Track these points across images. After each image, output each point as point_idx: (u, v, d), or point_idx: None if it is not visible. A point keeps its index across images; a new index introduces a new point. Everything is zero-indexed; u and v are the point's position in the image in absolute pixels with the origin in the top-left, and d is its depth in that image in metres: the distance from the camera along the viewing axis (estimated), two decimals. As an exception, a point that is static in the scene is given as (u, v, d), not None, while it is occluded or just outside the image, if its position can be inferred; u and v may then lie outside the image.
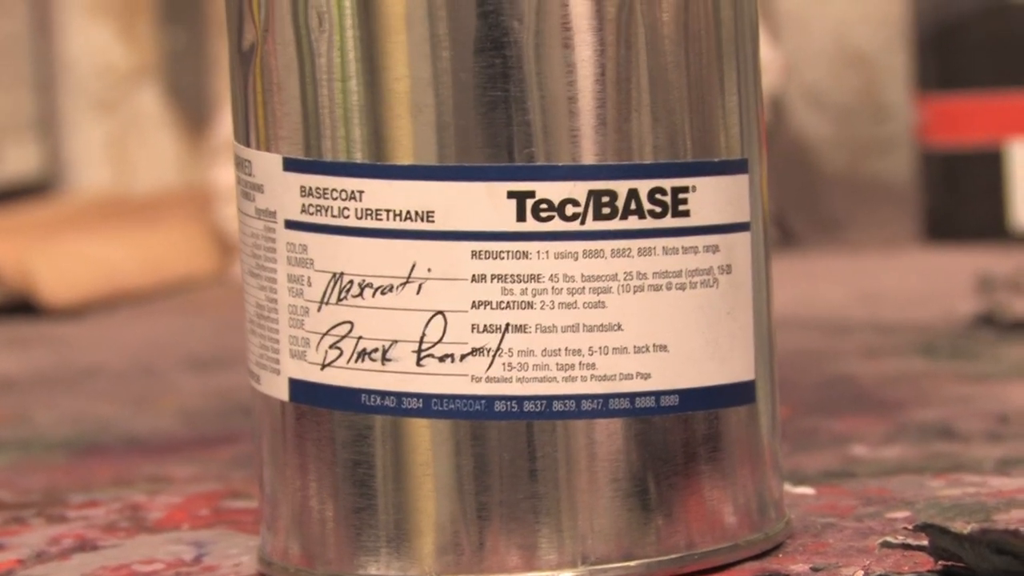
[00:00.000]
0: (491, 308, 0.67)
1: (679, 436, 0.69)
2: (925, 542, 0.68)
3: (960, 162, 1.41)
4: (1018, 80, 1.41)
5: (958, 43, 1.44)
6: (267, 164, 0.70)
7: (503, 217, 0.66)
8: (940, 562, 0.68)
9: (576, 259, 0.67)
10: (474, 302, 0.67)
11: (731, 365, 0.70)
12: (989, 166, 1.39)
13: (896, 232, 1.42)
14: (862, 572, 0.68)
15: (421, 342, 0.67)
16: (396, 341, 0.67)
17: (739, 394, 0.70)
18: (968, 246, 1.38)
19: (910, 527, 0.69)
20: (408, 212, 0.67)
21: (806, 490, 0.79)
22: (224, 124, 1.49)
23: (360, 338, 0.67)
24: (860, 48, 1.63)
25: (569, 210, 0.67)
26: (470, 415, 0.67)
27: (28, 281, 1.36)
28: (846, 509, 0.77)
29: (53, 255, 1.38)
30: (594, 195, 0.67)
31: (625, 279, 0.67)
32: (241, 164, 0.72)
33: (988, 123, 1.41)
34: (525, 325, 0.67)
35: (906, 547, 0.70)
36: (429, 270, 0.67)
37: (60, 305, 1.35)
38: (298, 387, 0.69)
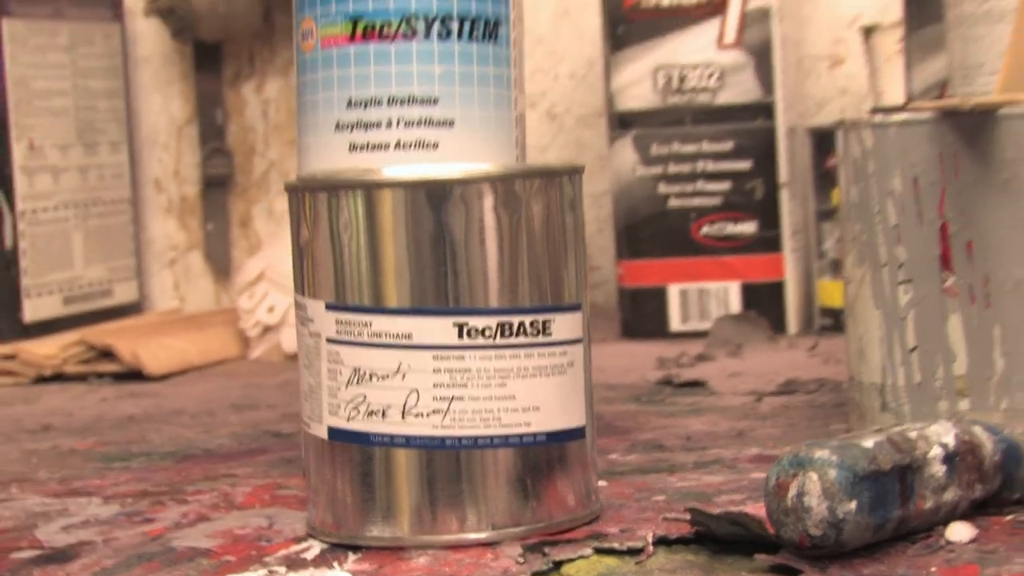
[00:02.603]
0: (444, 387, 0.75)
1: (544, 457, 0.77)
2: (688, 517, 0.74)
3: (641, 295, 1.44)
4: (671, 252, 1.43)
5: (639, 230, 1.45)
6: (316, 306, 0.77)
7: (450, 337, 0.75)
8: (695, 529, 0.74)
9: (490, 360, 0.75)
10: (434, 384, 0.75)
11: (573, 417, 0.78)
12: (657, 297, 1.42)
13: (607, 334, 1.46)
14: (651, 533, 0.74)
15: (404, 406, 0.75)
16: (390, 406, 0.75)
17: (577, 433, 0.79)
18: (648, 342, 1.41)
19: (683, 508, 0.76)
20: (396, 334, 0.75)
21: (602, 483, 0.85)
22: (242, 275, 1.54)
23: (369, 404, 0.76)
24: (586, 231, 1.63)
25: (487, 333, 0.75)
26: (431, 447, 0.75)
27: (136, 359, 1.38)
28: (627, 495, 0.84)
29: (149, 345, 1.40)
30: (500, 324, 0.75)
31: (517, 371, 0.76)
32: (300, 306, 0.78)
33: (656, 275, 1.43)
34: (463, 397, 0.75)
35: (676, 520, 0.76)
36: (409, 367, 0.75)
37: (154, 373, 1.37)
38: (333, 431, 0.77)
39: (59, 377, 1.38)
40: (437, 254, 0.75)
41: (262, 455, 1.00)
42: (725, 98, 1.40)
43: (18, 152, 1.49)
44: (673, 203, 1.41)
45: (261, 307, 1.43)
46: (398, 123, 0.82)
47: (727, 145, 1.40)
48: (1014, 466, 0.75)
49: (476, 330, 0.75)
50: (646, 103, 1.41)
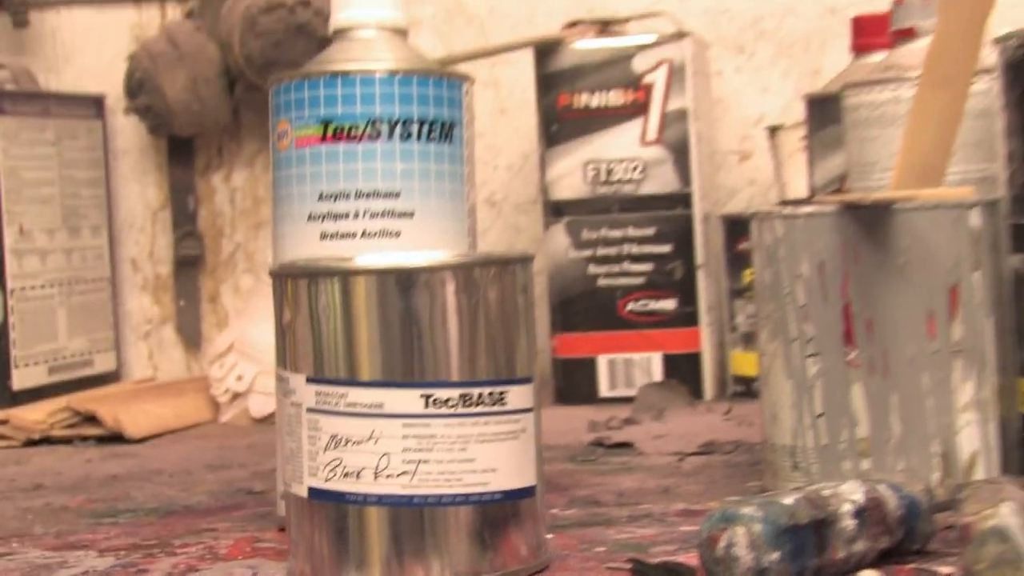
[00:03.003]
0: (412, 451, 0.75)
1: (500, 513, 0.77)
2: (629, 566, 0.75)
3: (573, 364, 1.44)
4: (599, 327, 1.43)
5: (571, 306, 1.44)
6: (297, 379, 0.77)
7: (417, 407, 0.75)
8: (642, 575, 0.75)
9: (453, 427, 0.75)
10: (403, 448, 0.75)
11: (525, 477, 0.78)
12: (588, 366, 1.43)
13: (543, 400, 1.40)
14: None
15: (377, 469, 0.75)
16: (364, 468, 0.75)
17: (529, 491, 0.78)
18: (580, 407, 1.40)
19: (624, 558, 0.78)
20: (369, 404, 0.75)
21: (548, 536, 0.84)
22: (212, 346, 1.54)
23: (345, 467, 0.76)
24: None
25: (450, 403, 0.75)
26: (400, 504, 0.75)
27: (118, 423, 1.36)
28: (571, 547, 0.84)
29: (129, 410, 1.38)
30: (461, 395, 0.75)
31: (477, 437, 0.76)
32: (282, 379, 0.79)
33: (586, 346, 1.44)
34: (428, 460, 0.75)
35: (618, 568, 0.77)
36: (381, 433, 0.75)
37: (135, 436, 1.35)
38: (312, 491, 0.77)
39: (47, 440, 1.36)
40: (405, 333, 0.75)
41: (238, 511, 0.99)
42: (647, 189, 1.40)
43: (9, 236, 1.49)
44: (601, 282, 1.41)
45: (231, 376, 1.41)
46: (364, 214, 0.83)
47: (649, 231, 1.40)
48: (915, 520, 0.76)
49: (440, 400, 0.75)
50: (577, 193, 1.42)
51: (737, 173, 1.57)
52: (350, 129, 0.83)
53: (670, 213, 1.40)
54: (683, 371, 1.40)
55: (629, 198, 1.41)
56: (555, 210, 1.43)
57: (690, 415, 1.32)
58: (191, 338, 1.69)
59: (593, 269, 1.42)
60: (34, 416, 1.37)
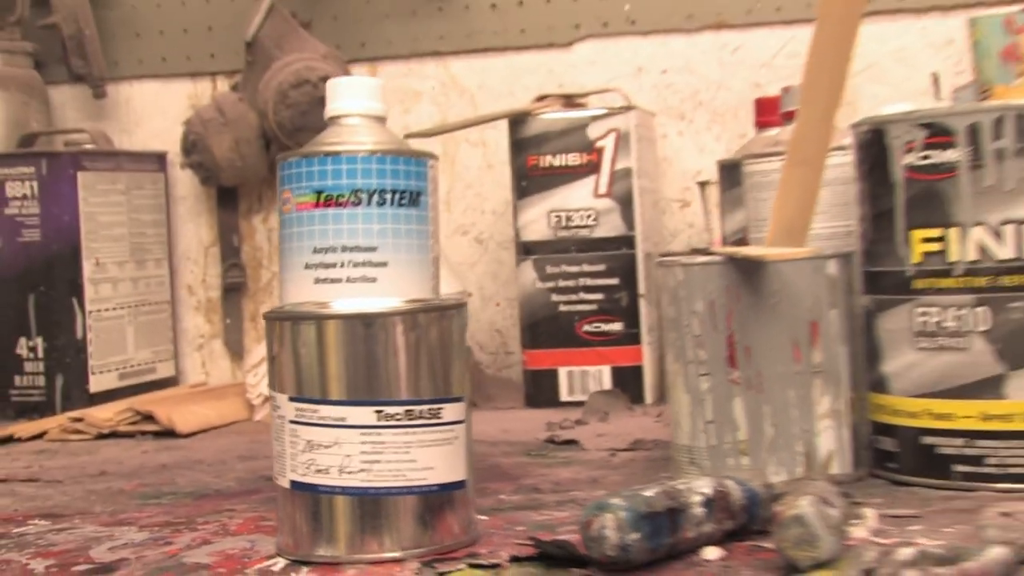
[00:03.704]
0: (368, 454, 0.78)
1: (437, 501, 0.80)
2: (532, 542, 0.78)
3: (540, 374, 1.43)
4: (561, 344, 1.42)
5: (538, 327, 1.43)
6: (282, 398, 0.80)
7: (372, 420, 0.78)
8: (537, 551, 0.77)
9: (400, 435, 0.78)
10: (361, 451, 0.78)
11: (457, 473, 0.81)
12: (551, 376, 1.41)
13: (516, 403, 1.45)
14: (507, 554, 0.77)
15: (341, 467, 0.78)
16: (332, 466, 0.78)
17: (460, 484, 0.81)
18: (544, 409, 1.40)
19: (528, 536, 0.80)
20: (335, 417, 0.78)
21: (483, 517, 0.87)
22: (248, 358, 1.54)
23: (317, 465, 0.79)
24: (497, 325, 1.62)
25: (397, 417, 0.78)
26: (359, 494, 0.78)
27: (171, 422, 1.36)
28: (499, 527, 0.85)
29: (180, 411, 1.39)
30: (406, 411, 0.78)
31: (418, 443, 0.79)
32: (272, 397, 0.81)
33: (550, 360, 1.42)
34: (380, 460, 0.78)
35: (525, 544, 0.79)
36: (344, 440, 0.78)
37: (183, 432, 1.35)
38: (293, 483, 0.80)
39: (114, 434, 1.36)
40: (363, 363, 0.78)
41: (256, 495, 1.00)
42: (599, 233, 1.40)
43: (87, 268, 1.51)
44: (562, 308, 1.41)
45: (263, 383, 1.41)
46: (348, 264, 0.82)
47: (601, 267, 1.40)
48: (755, 508, 0.79)
49: (390, 415, 0.78)
50: (543, 236, 1.41)
51: (679, 218, 1.56)
52: (338, 197, 0.82)
53: (617, 252, 1.40)
54: (628, 381, 1.39)
55: (584, 240, 1.40)
56: (525, 249, 1.42)
57: (629, 417, 1.32)
58: (235, 350, 1.69)
59: (555, 297, 1.41)
60: (104, 415, 1.38)
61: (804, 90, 0.96)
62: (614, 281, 1.41)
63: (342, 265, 0.82)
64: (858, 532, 0.78)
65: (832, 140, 0.98)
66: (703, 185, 1.43)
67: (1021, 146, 0.89)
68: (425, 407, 0.79)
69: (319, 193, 0.83)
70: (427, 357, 0.79)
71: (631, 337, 1.40)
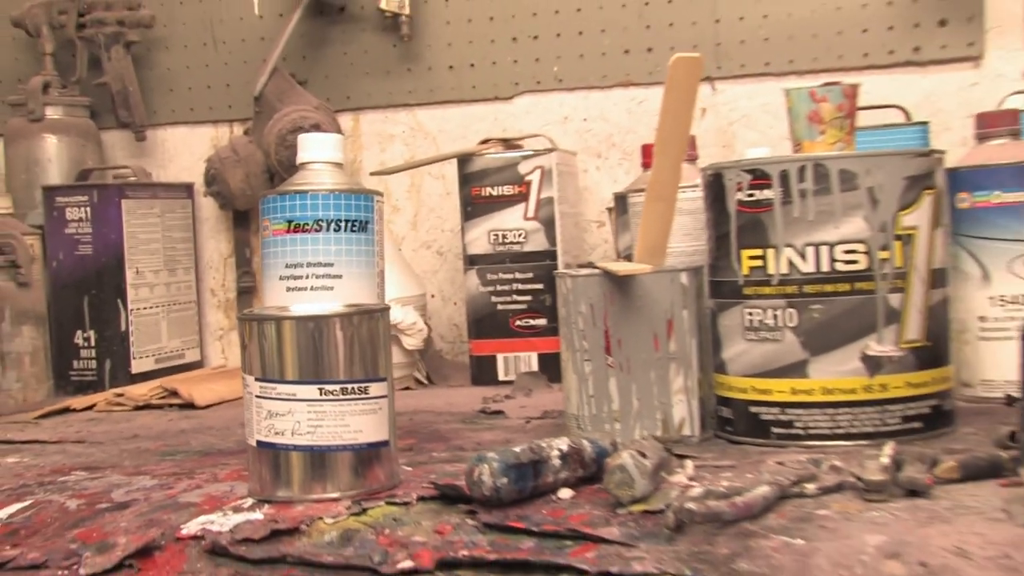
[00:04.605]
0: (313, 421, 0.80)
1: (366, 456, 0.82)
2: (433, 486, 0.79)
3: (483, 359, 1.41)
4: (499, 335, 1.41)
5: (481, 323, 1.41)
6: (250, 379, 0.82)
7: (316, 395, 0.80)
8: (437, 492, 0.79)
9: (337, 406, 0.80)
10: (308, 419, 0.80)
11: (381, 435, 0.82)
12: (491, 361, 1.40)
13: (464, 382, 1.43)
14: (415, 495, 0.79)
15: (293, 430, 0.81)
16: (286, 430, 0.81)
17: (384, 443, 0.82)
18: (485, 387, 1.38)
19: (430, 481, 0.81)
20: (288, 393, 0.80)
21: (409, 468, 0.89)
22: None
23: (275, 429, 0.81)
24: (454, 320, 1.60)
25: (335, 392, 0.80)
26: (307, 451, 0.80)
27: (191, 397, 1.36)
28: (419, 475, 0.85)
29: (199, 388, 1.38)
30: (342, 388, 0.80)
31: (351, 412, 0.80)
32: (244, 378, 0.83)
33: (491, 348, 1.41)
34: (322, 425, 0.80)
35: (429, 487, 0.81)
36: (295, 411, 0.80)
37: (201, 405, 1.35)
38: (258, 443, 0.82)
39: (147, 406, 1.36)
40: (310, 353, 0.80)
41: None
42: (528, 248, 1.40)
43: (129, 275, 1.52)
44: (499, 307, 1.41)
45: None
46: (311, 276, 0.84)
47: (529, 275, 1.40)
48: (603, 460, 0.80)
49: (329, 391, 0.80)
50: (484, 250, 1.41)
51: (597, 235, 1.56)
52: (304, 225, 0.83)
53: (542, 263, 1.39)
54: (550, 365, 1.37)
55: (516, 254, 1.40)
56: (470, 261, 1.41)
57: (547, 393, 1.32)
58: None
59: (494, 299, 1.41)
60: (140, 391, 1.40)
61: (657, 144, 0.97)
62: (539, 286, 1.41)
63: (307, 277, 0.84)
64: (677, 478, 0.81)
65: (680, 181, 1.00)
66: (611, 210, 1.42)
67: (818, 188, 0.90)
68: (356, 385, 0.81)
69: (290, 222, 0.84)
70: (358, 348, 0.81)
71: (552, 330, 1.36)
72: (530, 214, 1.41)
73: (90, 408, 1.37)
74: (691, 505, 0.67)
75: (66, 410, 1.35)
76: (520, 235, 1.41)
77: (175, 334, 1.60)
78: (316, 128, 1.53)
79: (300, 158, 0.89)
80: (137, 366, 1.52)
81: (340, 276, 0.84)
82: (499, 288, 1.42)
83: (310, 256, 0.84)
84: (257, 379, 0.81)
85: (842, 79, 1.38)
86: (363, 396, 0.81)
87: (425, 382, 1.45)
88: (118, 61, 1.63)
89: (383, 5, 1.57)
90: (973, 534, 0.63)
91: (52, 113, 1.62)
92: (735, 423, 0.96)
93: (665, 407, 0.96)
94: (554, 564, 0.66)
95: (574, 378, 0.98)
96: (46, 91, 1.60)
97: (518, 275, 1.41)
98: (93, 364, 1.49)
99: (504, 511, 0.75)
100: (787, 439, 0.92)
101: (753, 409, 0.94)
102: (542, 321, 1.41)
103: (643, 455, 0.76)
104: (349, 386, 0.81)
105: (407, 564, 0.68)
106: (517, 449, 0.78)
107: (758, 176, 0.93)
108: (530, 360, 1.41)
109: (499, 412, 1.19)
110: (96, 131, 1.68)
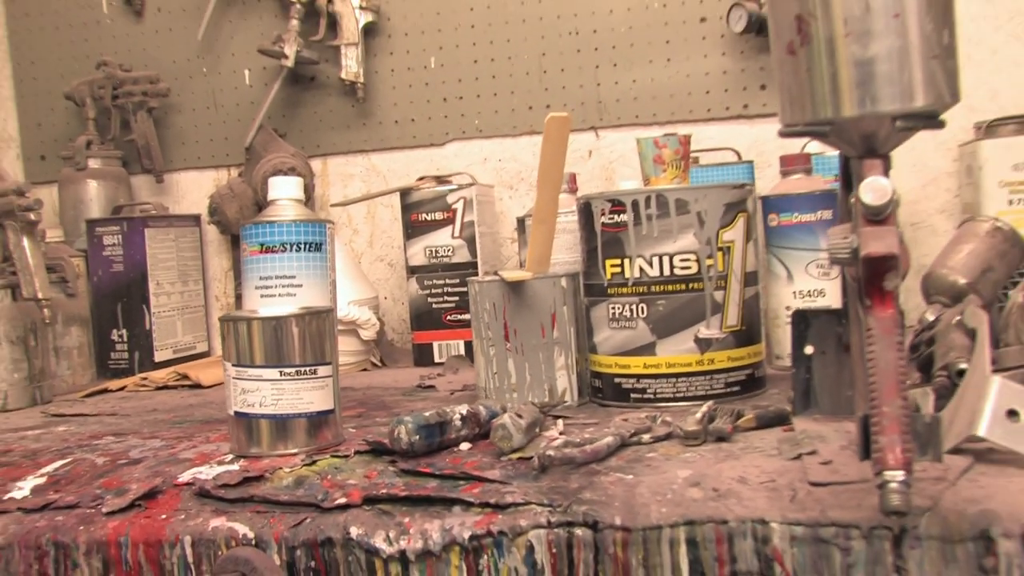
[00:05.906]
0: (276, 395, 0.80)
1: (316, 421, 0.82)
2: (366, 443, 0.80)
3: (422, 347, 1.38)
4: (434, 328, 1.37)
5: (420, 318, 1.38)
6: (228, 364, 0.82)
7: (277, 376, 0.80)
8: (369, 447, 0.80)
9: (294, 383, 0.80)
10: (272, 394, 0.81)
11: (328, 405, 0.82)
12: (429, 347, 1.37)
13: (407, 364, 1.39)
14: (353, 449, 0.80)
15: (260, 402, 0.81)
16: (256, 403, 0.81)
17: (331, 412, 0.83)
18: (423, 367, 1.35)
19: (369, 439, 0.80)
20: (256, 376, 0.80)
21: (353, 430, 0.88)
22: None
23: (248, 402, 0.82)
24: (403, 316, 1.44)
25: (292, 374, 0.80)
26: (272, 418, 0.81)
27: (198, 378, 1.33)
28: (359, 435, 0.86)
29: (205, 371, 1.35)
30: (296, 371, 0.80)
31: (304, 388, 0.80)
32: (224, 364, 0.83)
33: (428, 337, 1.38)
34: (282, 399, 0.80)
35: (365, 443, 0.81)
36: (262, 388, 0.81)
37: (206, 385, 1.32)
38: (236, 413, 0.83)
39: (165, 387, 1.34)
40: (273, 344, 0.81)
41: None
42: (455, 260, 1.38)
43: (152, 286, 1.49)
44: (435, 306, 1.39)
45: None
46: (278, 287, 0.84)
47: (456, 281, 1.38)
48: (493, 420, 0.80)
49: (288, 373, 0.81)
50: (421, 262, 1.39)
51: (510, 249, 1.54)
52: (272, 247, 0.83)
53: (466, 272, 1.38)
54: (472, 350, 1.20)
55: (446, 264, 1.38)
56: (412, 271, 1.40)
57: (470, 371, 1.30)
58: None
59: (430, 300, 1.39)
60: (160, 375, 1.38)
61: (539, 180, 0.98)
62: (464, 289, 1.38)
63: (275, 287, 0.85)
64: (550, 432, 0.83)
65: (558, 208, 1.00)
66: (521, 221, 1.40)
67: (660, 212, 0.92)
68: (308, 368, 0.82)
69: (262, 245, 0.85)
70: (310, 340, 0.82)
71: (476, 322, 1.36)
72: (456, 234, 1.39)
73: (122, 389, 1.36)
74: (551, 452, 0.69)
75: (104, 391, 1.35)
76: (449, 250, 1.39)
77: (188, 331, 1.58)
78: (292, 171, 1.53)
79: (270, 196, 0.89)
80: (159, 356, 1.50)
81: (301, 285, 0.85)
82: (434, 291, 1.40)
83: (277, 271, 0.85)
84: (234, 364, 0.82)
85: (687, 129, 1.43)
86: (313, 376, 0.82)
87: (379, 364, 1.43)
88: (143, 123, 1.64)
89: (343, 76, 1.58)
90: (753, 467, 0.66)
91: (93, 164, 1.62)
92: (604, 391, 0.97)
93: (551, 380, 0.97)
94: (450, 498, 0.67)
95: (482, 359, 0.99)
96: (88, 147, 1.61)
97: (448, 281, 1.39)
98: (126, 355, 1.48)
99: (417, 460, 0.76)
100: (642, 402, 0.94)
101: (617, 380, 0.95)
102: (467, 316, 1.39)
103: (520, 416, 0.77)
104: (303, 368, 0.81)
105: (342, 500, 0.69)
106: (427, 413, 0.79)
107: (616, 204, 0.94)
108: (459, 346, 1.40)
109: (431, 387, 1.18)
110: (127, 176, 1.67)
